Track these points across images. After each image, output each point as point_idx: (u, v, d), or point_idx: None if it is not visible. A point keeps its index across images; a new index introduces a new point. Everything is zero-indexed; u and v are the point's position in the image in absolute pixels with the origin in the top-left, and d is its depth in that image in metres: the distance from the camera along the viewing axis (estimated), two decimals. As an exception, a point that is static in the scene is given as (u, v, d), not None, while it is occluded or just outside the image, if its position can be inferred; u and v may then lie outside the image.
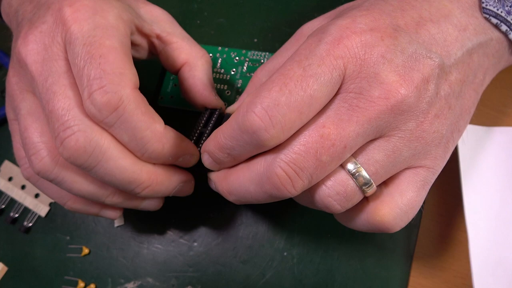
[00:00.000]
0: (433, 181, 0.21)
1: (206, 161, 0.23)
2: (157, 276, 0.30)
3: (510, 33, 0.21)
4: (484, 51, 0.21)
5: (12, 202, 0.33)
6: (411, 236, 0.28)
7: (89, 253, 0.31)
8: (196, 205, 0.31)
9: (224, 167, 0.23)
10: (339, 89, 0.19)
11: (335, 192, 0.19)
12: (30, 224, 0.32)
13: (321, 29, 0.20)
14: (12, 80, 0.24)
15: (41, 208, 0.32)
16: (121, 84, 0.21)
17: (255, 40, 0.34)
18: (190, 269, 0.29)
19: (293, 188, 0.19)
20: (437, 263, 0.27)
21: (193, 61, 0.27)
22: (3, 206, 0.33)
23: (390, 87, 0.18)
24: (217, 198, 0.31)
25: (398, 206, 0.20)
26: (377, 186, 0.20)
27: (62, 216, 0.32)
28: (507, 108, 0.30)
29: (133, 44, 0.26)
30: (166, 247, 0.30)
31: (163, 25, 0.27)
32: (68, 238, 0.31)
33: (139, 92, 0.22)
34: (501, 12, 0.21)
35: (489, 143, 0.28)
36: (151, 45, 0.27)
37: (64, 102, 0.21)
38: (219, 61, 0.33)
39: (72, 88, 0.21)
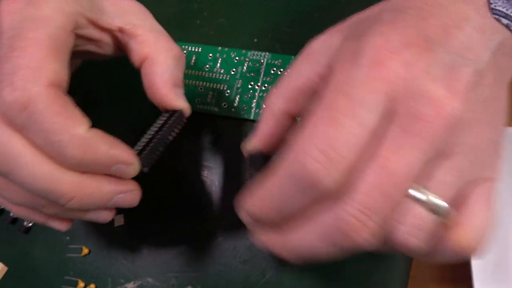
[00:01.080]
0: (497, 188, 0.20)
1: (245, 219, 0.20)
2: (157, 276, 0.30)
3: None
4: (503, 50, 0.20)
5: (12, 202, 0.33)
6: (411, 236, 0.28)
7: (89, 253, 0.31)
8: (196, 205, 0.31)
9: (265, 226, 0.20)
10: (388, 115, 0.17)
11: (416, 229, 0.17)
12: (30, 224, 0.32)
13: (351, 50, 0.18)
14: None
15: (41, 208, 0.32)
16: (33, 81, 0.19)
17: (255, 40, 0.34)
18: (190, 269, 0.29)
19: (368, 234, 0.17)
20: (437, 263, 0.27)
21: (154, 55, 0.24)
22: (3, 206, 0.33)
23: (440, 102, 0.17)
24: (217, 198, 0.31)
25: (478, 228, 0.18)
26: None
27: (62, 216, 0.32)
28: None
29: (91, 39, 0.24)
30: (166, 247, 0.30)
31: (129, 17, 0.25)
32: (68, 238, 0.31)
33: (56, 89, 0.20)
34: (511, 12, 0.21)
35: (489, 143, 0.28)
36: (116, 40, 0.25)
37: None
38: (219, 61, 0.33)
39: None
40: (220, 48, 0.33)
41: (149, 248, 0.30)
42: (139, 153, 0.22)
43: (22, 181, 0.20)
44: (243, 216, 0.20)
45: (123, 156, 0.21)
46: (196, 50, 0.33)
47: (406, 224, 0.17)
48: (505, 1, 0.20)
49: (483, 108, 0.19)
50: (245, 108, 0.31)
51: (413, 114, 0.17)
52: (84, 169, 0.21)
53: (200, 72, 0.32)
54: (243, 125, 0.31)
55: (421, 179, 0.17)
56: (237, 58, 0.33)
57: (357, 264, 0.28)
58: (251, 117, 0.31)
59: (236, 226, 0.30)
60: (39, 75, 0.19)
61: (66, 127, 0.19)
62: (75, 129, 0.20)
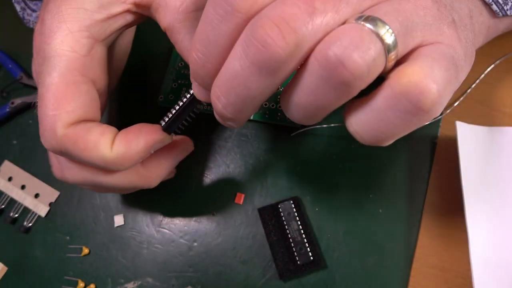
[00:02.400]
0: (459, 65, 0.17)
1: (194, 89, 0.21)
2: (157, 276, 0.30)
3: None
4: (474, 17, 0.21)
5: (12, 202, 0.33)
6: (411, 236, 0.28)
7: (89, 253, 0.31)
8: (196, 205, 0.31)
9: (208, 70, 0.18)
10: None
11: (354, 46, 0.15)
12: (30, 224, 0.32)
13: None
14: None
15: (41, 208, 0.32)
16: (52, 129, 0.22)
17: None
18: (190, 269, 0.29)
19: (283, 40, 0.15)
20: (437, 263, 0.27)
21: (171, 23, 0.23)
22: (3, 206, 0.33)
23: None
24: (217, 198, 0.31)
25: (435, 82, 0.15)
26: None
27: (62, 216, 0.32)
28: (507, 108, 0.30)
29: (115, 15, 0.24)
30: (166, 247, 0.30)
31: None
32: (68, 238, 0.31)
33: (73, 129, 0.22)
34: None
35: (489, 143, 0.28)
36: (136, 14, 0.25)
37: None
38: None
39: None
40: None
41: (149, 248, 0.30)
42: (164, 125, 0.24)
43: (112, 186, 0.25)
44: (194, 88, 0.20)
45: (152, 139, 0.24)
46: None
47: (344, 42, 0.15)
48: None
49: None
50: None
51: None
52: (132, 165, 0.24)
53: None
54: (243, 125, 0.31)
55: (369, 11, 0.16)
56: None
57: (357, 263, 0.28)
58: (251, 117, 0.31)
59: (236, 226, 0.30)
60: (58, 120, 0.22)
61: (94, 156, 0.22)
62: (100, 155, 0.22)
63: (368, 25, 0.15)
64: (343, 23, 0.16)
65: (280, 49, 0.15)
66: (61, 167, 0.25)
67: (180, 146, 0.28)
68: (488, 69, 0.30)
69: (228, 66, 0.17)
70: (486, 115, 0.30)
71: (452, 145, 0.28)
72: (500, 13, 0.24)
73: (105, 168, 0.23)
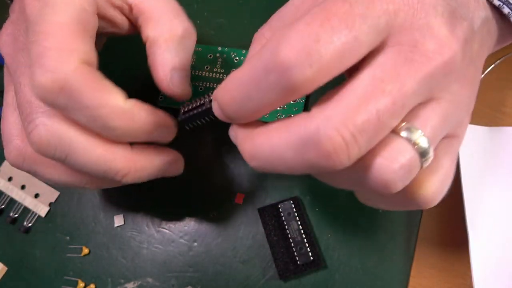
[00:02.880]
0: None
1: (216, 111, 0.19)
2: (157, 276, 0.30)
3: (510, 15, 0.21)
4: (489, 28, 0.20)
5: (12, 202, 0.33)
6: (411, 236, 0.28)
7: (89, 253, 0.31)
8: (196, 205, 0.31)
9: (240, 122, 0.19)
10: (387, 39, 0.16)
11: (398, 165, 0.16)
12: (30, 224, 0.32)
13: None
14: (4, 73, 0.24)
15: (41, 208, 0.32)
16: (64, 61, 0.19)
17: (255, 40, 0.34)
18: (190, 269, 0.29)
19: (347, 156, 0.15)
20: (437, 263, 0.27)
21: (154, 36, 0.23)
22: (3, 206, 0.33)
23: (443, 42, 0.16)
24: (217, 198, 0.31)
25: (438, 179, 0.18)
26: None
27: (62, 216, 0.32)
28: (507, 108, 0.30)
29: (110, 20, 0.24)
30: (166, 247, 0.30)
31: None
32: (68, 238, 0.31)
33: (88, 67, 0.20)
34: None
35: (489, 143, 0.28)
36: (128, 18, 0.25)
37: (27, 93, 0.20)
38: (219, 61, 0.33)
39: None
40: (220, 48, 0.33)
41: (149, 248, 0.30)
42: (180, 116, 0.23)
43: (79, 165, 0.21)
44: (215, 109, 0.19)
45: (162, 119, 0.22)
46: (196, 50, 0.33)
47: (388, 159, 0.16)
48: None
49: (472, 70, 0.19)
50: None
51: (415, 45, 0.16)
52: (130, 139, 0.21)
53: (200, 72, 0.32)
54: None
55: (407, 118, 0.17)
56: (237, 58, 0.33)
57: (357, 263, 0.28)
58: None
59: (236, 226, 0.30)
60: (69, 55, 0.19)
61: (105, 100, 0.20)
62: (113, 101, 0.20)
63: (415, 153, 0.16)
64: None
65: (340, 164, 0.15)
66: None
67: (176, 163, 0.26)
68: (488, 69, 0.30)
69: (277, 149, 0.16)
70: (486, 115, 0.30)
71: (452, 145, 0.28)
72: None
73: (109, 121, 0.20)
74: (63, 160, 0.21)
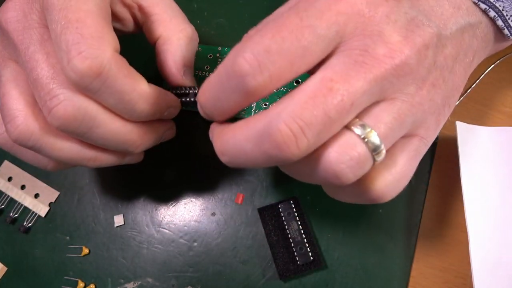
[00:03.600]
0: (424, 153, 0.21)
1: (199, 110, 0.21)
2: (157, 276, 0.30)
3: (498, 19, 0.22)
4: (474, 32, 0.21)
5: (12, 202, 0.33)
6: (411, 236, 0.28)
7: (89, 253, 0.31)
8: (196, 205, 0.31)
9: (217, 120, 0.21)
10: (339, 46, 0.18)
11: (348, 157, 0.17)
12: (30, 224, 0.32)
13: None
14: None
15: (40, 208, 0.32)
16: (100, 48, 0.20)
17: (255, 40, 0.34)
18: (190, 269, 0.29)
19: (297, 147, 0.17)
20: (437, 263, 0.27)
21: (168, 35, 0.26)
22: (3, 206, 0.33)
23: (395, 46, 0.18)
24: (217, 198, 0.31)
25: (391, 175, 0.19)
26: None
27: (62, 216, 0.32)
28: (507, 108, 0.30)
29: (116, 17, 0.25)
30: (166, 247, 0.30)
31: None
32: (68, 238, 0.31)
33: (119, 55, 0.21)
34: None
35: (489, 143, 0.28)
36: (134, 17, 0.27)
37: (48, 70, 0.21)
38: (219, 61, 0.33)
39: (55, 55, 0.21)
40: (220, 48, 0.33)
41: (149, 248, 0.30)
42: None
43: (100, 137, 0.22)
44: (198, 107, 0.21)
45: (172, 100, 0.25)
46: (196, 50, 0.33)
47: (338, 151, 0.17)
48: None
49: (438, 74, 0.19)
50: (245, 108, 0.31)
51: (366, 50, 0.18)
52: (148, 118, 0.24)
53: (200, 72, 0.32)
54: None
55: (361, 115, 0.18)
56: (237, 58, 0.33)
57: (357, 263, 0.28)
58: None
59: (236, 226, 0.30)
60: (104, 43, 0.20)
61: (134, 86, 0.22)
62: (141, 87, 0.22)
63: (365, 147, 0.18)
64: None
65: (291, 155, 0.17)
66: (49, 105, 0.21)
67: (171, 129, 0.28)
68: (488, 69, 0.30)
69: (238, 142, 0.19)
70: (486, 115, 0.30)
71: (452, 145, 0.28)
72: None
73: (136, 104, 0.22)
74: (83, 134, 0.22)
